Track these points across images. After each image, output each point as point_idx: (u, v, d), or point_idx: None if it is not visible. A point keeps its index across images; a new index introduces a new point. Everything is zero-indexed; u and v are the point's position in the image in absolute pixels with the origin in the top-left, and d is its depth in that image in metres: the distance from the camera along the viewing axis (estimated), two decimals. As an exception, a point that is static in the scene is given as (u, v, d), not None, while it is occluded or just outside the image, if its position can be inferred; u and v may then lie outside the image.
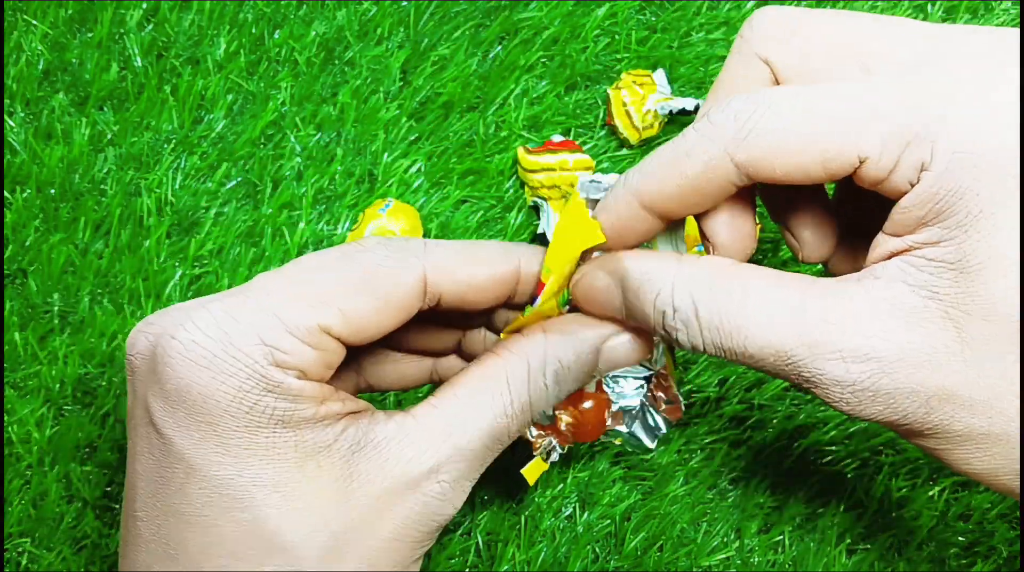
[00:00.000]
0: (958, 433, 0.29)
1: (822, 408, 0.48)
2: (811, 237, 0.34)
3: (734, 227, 0.33)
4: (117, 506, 0.45)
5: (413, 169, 0.50)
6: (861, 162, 0.28)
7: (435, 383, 0.39)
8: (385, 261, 0.32)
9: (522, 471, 0.39)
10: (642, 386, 0.42)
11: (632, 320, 0.32)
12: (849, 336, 0.28)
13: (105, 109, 0.51)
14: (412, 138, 0.51)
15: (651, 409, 0.42)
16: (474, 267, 0.33)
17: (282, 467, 0.29)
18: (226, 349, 0.29)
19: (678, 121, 0.52)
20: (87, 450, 0.46)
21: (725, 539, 0.46)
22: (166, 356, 0.29)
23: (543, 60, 0.53)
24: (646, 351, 0.34)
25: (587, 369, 0.33)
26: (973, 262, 0.27)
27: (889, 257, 0.29)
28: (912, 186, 0.28)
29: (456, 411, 0.31)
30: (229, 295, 0.30)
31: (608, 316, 0.33)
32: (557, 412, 0.40)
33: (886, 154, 0.28)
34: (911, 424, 0.29)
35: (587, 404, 0.41)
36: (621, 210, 0.33)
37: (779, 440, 0.47)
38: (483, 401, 0.32)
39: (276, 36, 0.52)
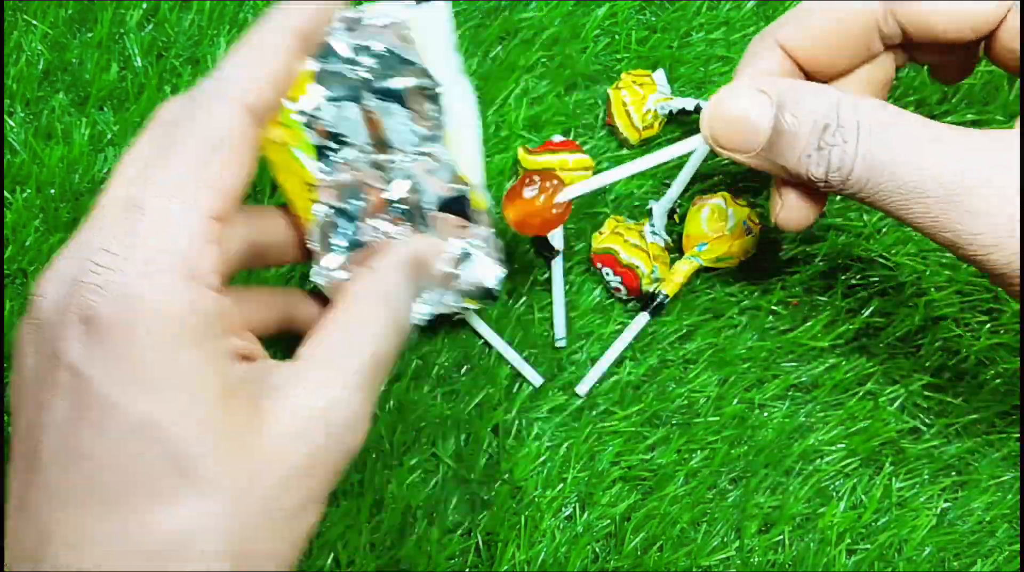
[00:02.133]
0: None
1: (822, 408, 0.48)
2: None
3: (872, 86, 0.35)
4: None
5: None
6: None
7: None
8: (192, 113, 0.31)
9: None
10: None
11: (773, 149, 0.32)
12: (997, 174, 0.29)
13: (105, 109, 0.51)
14: (412, 138, 0.51)
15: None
16: (268, 59, 0.33)
17: (199, 398, 0.28)
18: (140, 275, 0.28)
19: (678, 121, 0.52)
20: (87, 450, 0.46)
21: (725, 539, 0.46)
22: (82, 294, 0.28)
23: (543, 60, 0.53)
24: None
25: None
26: None
27: None
28: None
29: (342, 343, 0.32)
30: (121, 220, 0.29)
31: (739, 146, 0.33)
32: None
33: None
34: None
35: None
36: (760, 54, 0.34)
37: (779, 439, 0.47)
38: (365, 324, 0.33)
39: (276, 36, 0.52)
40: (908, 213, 0.31)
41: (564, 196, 0.39)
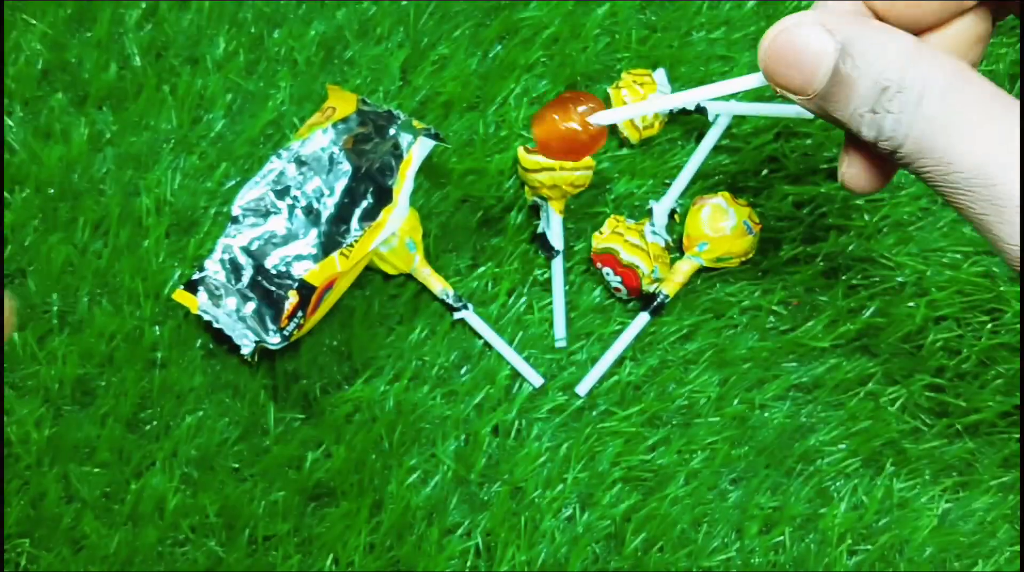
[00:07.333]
0: None
1: (823, 408, 0.48)
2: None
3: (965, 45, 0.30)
4: (117, 506, 0.45)
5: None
6: None
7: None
8: None
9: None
10: None
11: (828, 98, 0.28)
12: None
13: (104, 108, 0.51)
14: (412, 137, 0.51)
15: None
16: None
17: None
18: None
19: (679, 120, 0.52)
20: (86, 450, 0.46)
21: (726, 540, 0.46)
22: None
23: (543, 59, 0.53)
24: None
25: None
26: None
27: None
28: None
29: None
30: None
31: (793, 85, 0.29)
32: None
33: None
34: None
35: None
36: (846, 7, 0.30)
37: (780, 440, 0.47)
38: None
39: (275, 35, 0.52)
40: (953, 201, 0.28)
41: (598, 119, 0.36)
